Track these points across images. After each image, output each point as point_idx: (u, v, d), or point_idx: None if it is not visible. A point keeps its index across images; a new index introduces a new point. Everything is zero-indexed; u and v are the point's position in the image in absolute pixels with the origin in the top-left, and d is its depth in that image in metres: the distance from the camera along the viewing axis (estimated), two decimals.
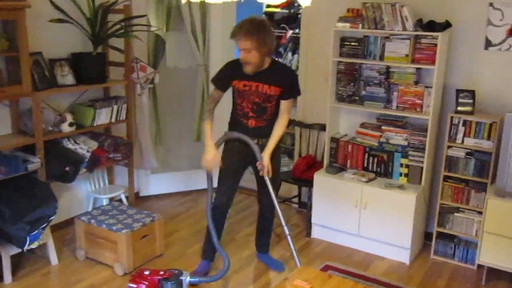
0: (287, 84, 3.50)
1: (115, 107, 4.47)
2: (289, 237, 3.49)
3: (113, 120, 4.49)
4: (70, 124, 4.11)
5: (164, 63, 5.25)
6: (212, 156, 3.48)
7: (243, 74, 3.44)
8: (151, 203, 5.14)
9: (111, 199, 4.59)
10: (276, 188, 3.75)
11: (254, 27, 3.30)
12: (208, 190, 3.50)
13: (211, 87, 3.69)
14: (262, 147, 3.53)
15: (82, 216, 3.97)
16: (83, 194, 4.66)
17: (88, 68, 4.25)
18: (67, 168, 4.00)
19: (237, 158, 3.62)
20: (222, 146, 3.64)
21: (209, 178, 3.52)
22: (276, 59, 6.97)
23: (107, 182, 4.80)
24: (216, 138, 3.56)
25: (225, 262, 3.36)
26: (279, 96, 3.50)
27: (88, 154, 4.20)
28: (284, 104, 3.54)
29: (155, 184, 5.30)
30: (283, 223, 3.51)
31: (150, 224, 3.93)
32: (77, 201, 4.61)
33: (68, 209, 4.45)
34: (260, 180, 3.62)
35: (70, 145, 4.17)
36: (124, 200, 4.74)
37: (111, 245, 3.79)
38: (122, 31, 4.37)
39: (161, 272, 3.39)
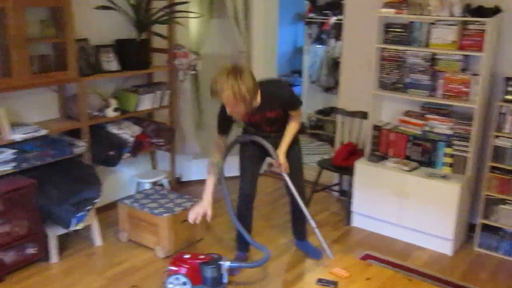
0: (285, 104, 3.44)
1: (158, 93, 4.54)
2: (316, 230, 3.50)
3: (156, 106, 4.56)
4: (115, 109, 4.20)
5: (207, 50, 5.27)
6: (202, 209, 3.50)
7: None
8: (192, 188, 5.20)
9: (153, 184, 4.68)
10: (302, 180, 3.74)
11: (232, 79, 3.04)
12: (224, 189, 3.60)
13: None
14: (281, 137, 3.54)
15: (125, 199, 4.06)
16: (126, 178, 4.76)
17: (132, 54, 4.32)
18: (111, 152, 4.09)
19: (254, 150, 3.64)
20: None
21: (222, 177, 3.60)
22: (318, 46, 6.99)
23: (150, 166, 4.89)
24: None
25: (265, 251, 3.39)
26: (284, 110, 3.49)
27: (131, 139, 4.28)
28: (292, 113, 3.51)
29: (196, 169, 5.35)
30: (308, 216, 3.56)
31: (190, 209, 3.97)
32: (121, 185, 4.72)
33: (112, 192, 4.56)
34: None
35: (114, 130, 4.26)
36: (166, 184, 4.83)
37: (153, 228, 3.86)
38: (166, 17, 4.42)
39: (201, 256, 3.45)
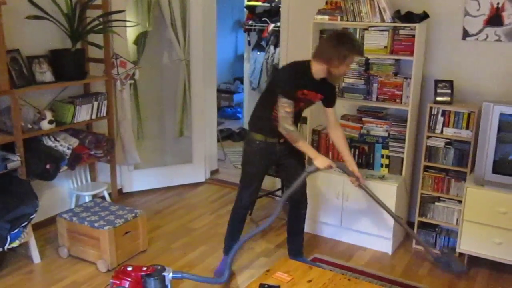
0: (331, 93, 3.59)
1: (96, 103, 4.45)
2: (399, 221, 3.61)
3: (93, 116, 4.46)
4: (50, 122, 4.08)
5: (145, 59, 5.23)
6: (328, 161, 3.42)
7: (305, 83, 3.41)
8: (135, 199, 5.13)
9: (93, 196, 4.57)
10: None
11: None
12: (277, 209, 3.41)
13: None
14: (285, 144, 3.50)
15: (64, 213, 3.95)
16: (65, 192, 4.63)
17: (67, 64, 4.21)
18: (47, 166, 3.97)
19: (263, 161, 3.61)
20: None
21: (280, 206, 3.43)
22: (258, 53, 7.07)
23: (89, 179, 4.78)
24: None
25: (225, 273, 3.24)
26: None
27: (68, 152, 4.18)
28: (333, 113, 3.63)
29: (138, 180, 5.28)
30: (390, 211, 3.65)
31: (132, 220, 3.92)
32: (60, 199, 4.59)
33: (51, 207, 4.42)
34: (288, 176, 3.66)
35: (50, 142, 4.14)
36: (107, 196, 4.73)
37: (94, 242, 3.78)
38: (101, 27, 4.34)
39: (144, 268, 3.39)
